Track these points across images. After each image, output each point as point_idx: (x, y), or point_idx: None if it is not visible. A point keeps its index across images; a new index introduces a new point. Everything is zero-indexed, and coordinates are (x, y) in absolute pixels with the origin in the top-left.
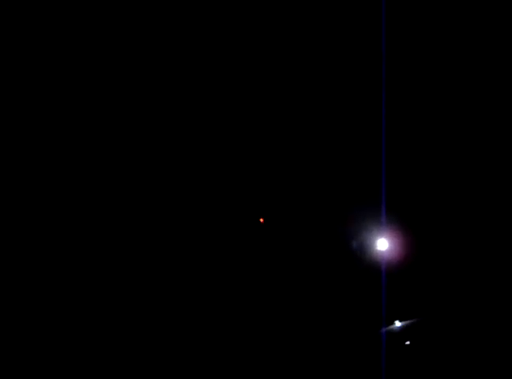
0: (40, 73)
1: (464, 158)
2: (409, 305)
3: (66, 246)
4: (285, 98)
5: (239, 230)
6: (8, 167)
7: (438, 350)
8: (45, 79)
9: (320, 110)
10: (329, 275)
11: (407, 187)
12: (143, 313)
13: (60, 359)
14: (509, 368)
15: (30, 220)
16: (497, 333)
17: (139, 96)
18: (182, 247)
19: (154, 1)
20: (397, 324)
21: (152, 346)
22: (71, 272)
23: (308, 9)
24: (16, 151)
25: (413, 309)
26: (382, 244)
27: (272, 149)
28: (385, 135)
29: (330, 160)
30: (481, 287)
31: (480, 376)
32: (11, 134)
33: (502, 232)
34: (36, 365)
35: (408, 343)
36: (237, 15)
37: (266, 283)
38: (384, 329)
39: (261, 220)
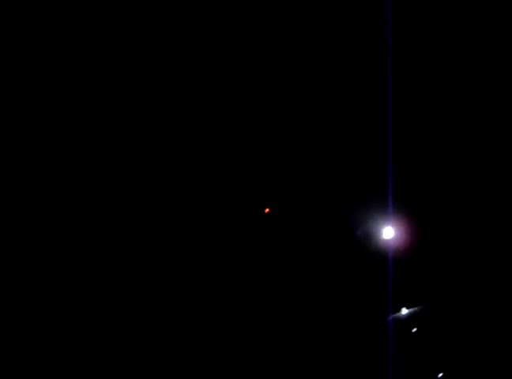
0: (40, 73)
1: (470, 148)
2: (415, 293)
3: (66, 246)
4: (292, 91)
5: (244, 218)
6: (8, 167)
7: (444, 336)
8: (45, 79)
9: (326, 102)
10: (335, 264)
11: (413, 176)
12: (142, 311)
13: (60, 359)
14: None
15: (30, 220)
16: (503, 321)
17: (139, 96)
18: (184, 240)
19: (154, 1)
20: (404, 311)
21: (152, 345)
22: (71, 271)
23: (313, 7)
24: (16, 151)
25: (419, 297)
26: (388, 232)
27: (276, 138)
28: (391, 124)
29: (336, 149)
30: (487, 275)
31: (486, 363)
32: (11, 134)
33: (508, 220)
34: (36, 365)
35: (414, 330)
36: (242, 12)
37: (271, 272)
38: (391, 317)
39: (267, 210)
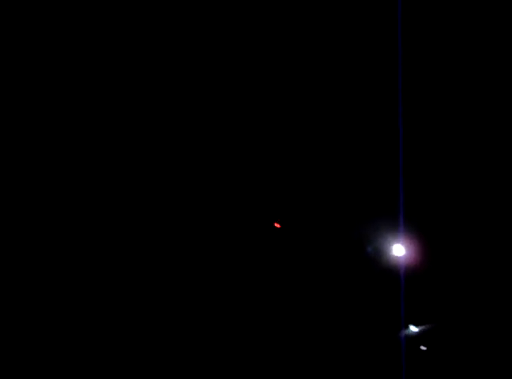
0: (40, 73)
1: (481, 164)
2: (426, 310)
3: (66, 246)
4: (302, 103)
5: (255, 235)
6: (8, 167)
7: (454, 354)
8: (45, 79)
9: (338, 117)
10: (347, 281)
11: (424, 193)
12: (145, 314)
13: (60, 359)
14: None
15: (30, 220)
16: None
17: (141, 97)
18: (197, 253)
19: (154, 1)
20: (413, 328)
21: (154, 346)
22: (71, 271)
23: (326, 8)
24: (16, 151)
25: (430, 314)
26: (399, 249)
27: (289, 154)
28: (402, 141)
29: (348, 165)
30: (498, 293)
31: None
32: (11, 134)
33: None
34: (36, 365)
35: (424, 348)
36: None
37: (283, 289)
38: (402, 333)
39: (277, 225)
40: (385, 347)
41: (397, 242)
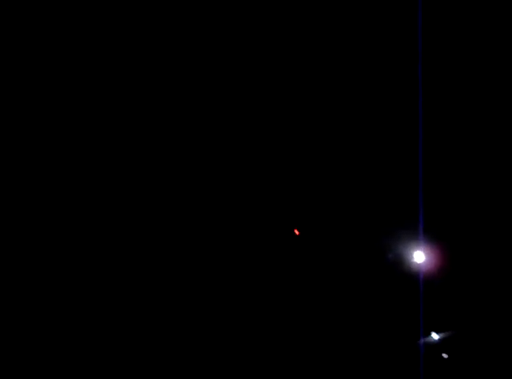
0: (40, 73)
1: (503, 172)
2: (447, 318)
3: (66, 246)
4: (323, 112)
5: (276, 239)
6: (8, 167)
7: (475, 362)
8: (45, 79)
9: (358, 124)
10: (366, 287)
11: (444, 200)
12: (145, 312)
13: (60, 359)
14: None
15: (30, 220)
16: None
17: (143, 97)
18: (213, 259)
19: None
20: (435, 336)
21: (153, 345)
22: (71, 271)
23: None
24: (16, 151)
25: (451, 322)
26: (419, 256)
27: (309, 161)
28: (421, 147)
29: (367, 173)
30: None
31: None
32: (11, 134)
33: None
34: (36, 365)
35: (445, 355)
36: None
37: (302, 295)
38: (422, 341)
39: (297, 232)
40: (404, 354)
41: (418, 249)
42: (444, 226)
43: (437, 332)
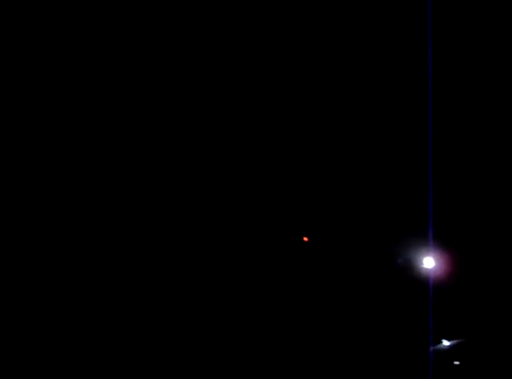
0: (40, 72)
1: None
2: (457, 325)
3: (66, 246)
4: (330, 118)
5: (286, 246)
6: (8, 167)
7: (485, 370)
8: (45, 79)
9: (370, 131)
10: (376, 294)
11: (454, 206)
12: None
13: (60, 359)
14: None
15: (30, 220)
16: None
17: (145, 97)
18: (224, 263)
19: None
20: (445, 343)
21: (153, 345)
22: (71, 272)
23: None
24: (16, 151)
25: (461, 329)
26: (429, 262)
27: (319, 167)
28: (431, 152)
29: (377, 179)
30: None
31: None
32: (11, 134)
33: None
34: (36, 365)
35: (456, 362)
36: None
37: (312, 301)
38: (432, 348)
39: (306, 239)
40: (414, 360)
41: (427, 255)
42: (453, 232)
43: (447, 339)
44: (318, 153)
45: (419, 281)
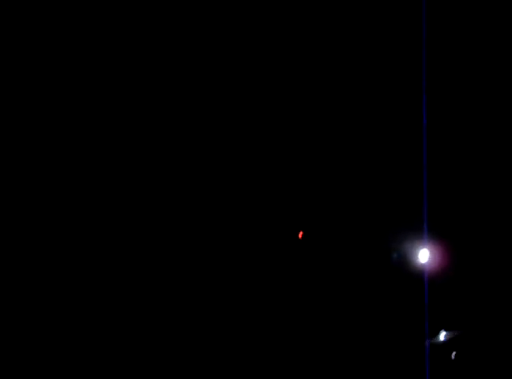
0: (40, 73)
1: (508, 172)
2: (453, 317)
3: (66, 246)
4: (326, 111)
5: (278, 241)
6: (8, 167)
7: (483, 362)
8: (45, 79)
9: (362, 125)
10: (370, 286)
11: (449, 199)
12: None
13: (60, 359)
14: None
15: (30, 220)
16: None
17: (143, 97)
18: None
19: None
20: (442, 335)
21: (153, 345)
22: (71, 272)
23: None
24: (16, 151)
25: (458, 321)
26: (424, 255)
27: (312, 162)
28: (426, 146)
29: (371, 172)
30: None
31: None
32: (11, 134)
33: None
34: (36, 365)
35: (453, 355)
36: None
37: (306, 295)
38: (428, 341)
39: (300, 234)
40: (409, 355)
41: (423, 248)
42: (449, 225)
43: (443, 332)
44: (311, 150)
45: (415, 274)
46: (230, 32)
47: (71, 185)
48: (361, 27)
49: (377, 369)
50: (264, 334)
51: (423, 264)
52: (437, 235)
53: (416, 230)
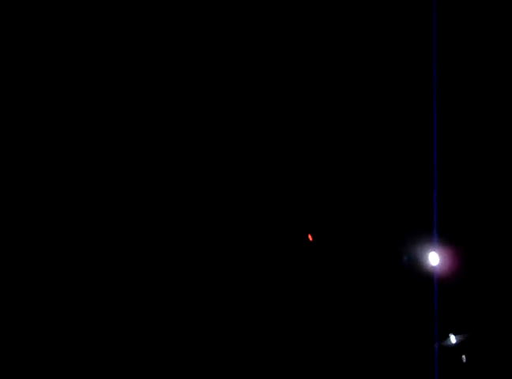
0: (40, 73)
1: None
2: (463, 320)
3: (66, 246)
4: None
5: (289, 243)
6: (8, 167)
7: (492, 365)
8: (45, 79)
9: (373, 128)
10: (380, 289)
11: (459, 202)
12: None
13: (60, 359)
14: None
15: (30, 220)
16: None
17: (143, 97)
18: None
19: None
20: (452, 338)
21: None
22: (71, 272)
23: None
24: (16, 151)
25: (467, 324)
26: (434, 258)
27: (321, 165)
28: (436, 149)
29: (381, 175)
30: None
31: None
32: (11, 134)
33: None
34: (36, 365)
35: (464, 358)
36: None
37: (316, 298)
38: (437, 344)
39: (310, 237)
40: (419, 358)
41: (432, 251)
42: (459, 228)
43: (452, 336)
44: (321, 153)
45: (425, 278)
46: (233, 33)
47: (71, 185)
48: (371, 27)
49: (386, 373)
50: (270, 336)
51: (433, 267)
52: (447, 238)
53: (426, 233)
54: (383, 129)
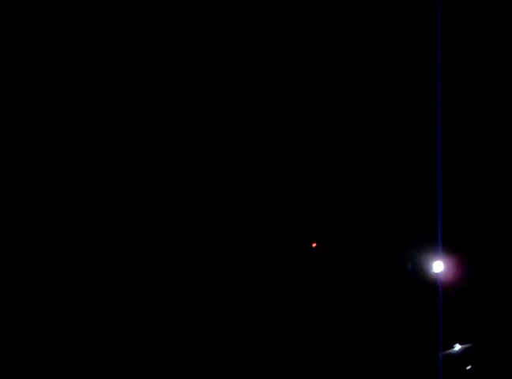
0: (40, 72)
1: None
2: (468, 329)
3: (66, 246)
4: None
5: (295, 252)
6: (8, 167)
7: (497, 374)
8: (45, 79)
9: (379, 135)
10: (385, 298)
11: (463, 211)
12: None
13: (60, 359)
14: None
15: (30, 220)
16: None
17: (143, 97)
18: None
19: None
20: (457, 347)
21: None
22: (71, 272)
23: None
24: (16, 151)
25: (472, 333)
26: (439, 266)
27: (328, 171)
28: (441, 156)
29: (386, 183)
30: None
31: None
32: (11, 134)
33: None
34: (36, 365)
35: (468, 367)
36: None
37: (320, 306)
38: (441, 353)
39: (314, 245)
40: (423, 365)
41: (437, 259)
42: (463, 237)
43: (457, 345)
44: (326, 158)
45: (429, 286)
46: (233, 33)
47: (71, 185)
48: (377, 27)
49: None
50: (274, 338)
51: (437, 276)
52: (451, 247)
53: (431, 242)
54: (389, 138)
